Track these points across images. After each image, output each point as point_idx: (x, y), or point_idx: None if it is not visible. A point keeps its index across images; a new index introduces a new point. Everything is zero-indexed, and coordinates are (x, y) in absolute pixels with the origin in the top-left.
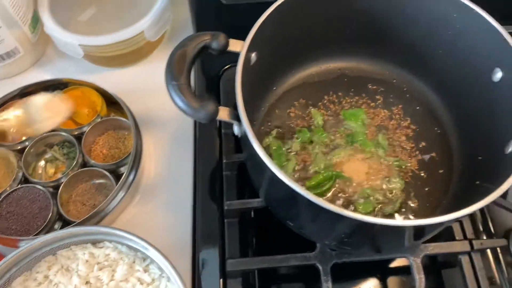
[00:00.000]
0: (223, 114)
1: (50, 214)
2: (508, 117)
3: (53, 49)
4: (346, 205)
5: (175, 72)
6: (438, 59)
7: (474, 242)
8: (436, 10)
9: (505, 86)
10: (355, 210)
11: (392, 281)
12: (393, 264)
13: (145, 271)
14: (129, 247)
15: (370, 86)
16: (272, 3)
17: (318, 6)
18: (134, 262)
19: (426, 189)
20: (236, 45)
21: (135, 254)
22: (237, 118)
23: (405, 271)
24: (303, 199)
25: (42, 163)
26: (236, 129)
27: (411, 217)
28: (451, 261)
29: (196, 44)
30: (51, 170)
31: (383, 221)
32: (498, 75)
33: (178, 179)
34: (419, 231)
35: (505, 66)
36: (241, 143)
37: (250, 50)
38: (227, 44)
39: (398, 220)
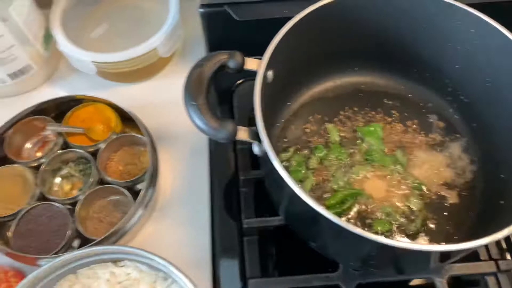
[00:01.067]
0: (242, 134)
1: (70, 232)
2: None
3: (66, 65)
4: (366, 224)
5: (193, 93)
6: (456, 74)
7: (500, 262)
8: (453, 26)
9: None
10: (373, 230)
11: None
12: (414, 283)
13: None
14: (150, 267)
15: (385, 101)
16: (283, 18)
17: (333, 23)
18: (155, 282)
19: (447, 205)
20: (253, 64)
21: (156, 274)
22: (256, 138)
23: None
24: (327, 221)
25: (58, 180)
26: (256, 149)
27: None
28: (475, 280)
29: (213, 63)
30: (67, 187)
31: (410, 245)
32: None
33: (194, 195)
34: (445, 255)
35: None
36: (259, 161)
37: (267, 68)
38: (243, 63)
39: (427, 246)
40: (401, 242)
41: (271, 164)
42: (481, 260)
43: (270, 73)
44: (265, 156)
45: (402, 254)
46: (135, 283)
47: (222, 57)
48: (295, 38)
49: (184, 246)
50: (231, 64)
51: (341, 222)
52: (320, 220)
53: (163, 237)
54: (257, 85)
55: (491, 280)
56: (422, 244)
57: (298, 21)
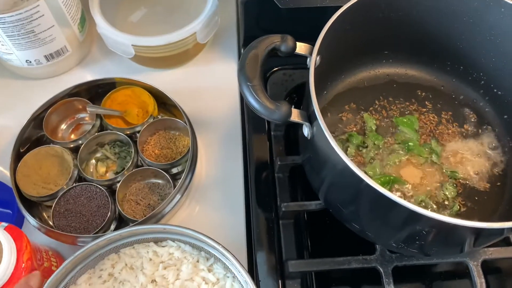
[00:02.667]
0: (295, 115)
1: (109, 213)
2: None
3: (98, 50)
4: None
5: (249, 74)
6: (491, 67)
7: None
8: (495, 19)
9: None
10: None
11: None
12: (441, 269)
13: (209, 270)
14: (192, 246)
15: (419, 93)
16: (322, 8)
17: (374, 14)
18: (198, 261)
19: (480, 193)
20: (303, 48)
21: (199, 253)
22: (307, 119)
23: (457, 275)
24: (379, 197)
25: (93, 161)
26: (306, 130)
27: None
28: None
29: (266, 46)
30: (102, 169)
31: (472, 223)
32: None
33: (228, 180)
34: (481, 237)
35: None
36: (302, 145)
37: (318, 52)
38: (295, 47)
39: (478, 223)
40: (454, 218)
41: (324, 142)
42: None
43: (318, 59)
44: (315, 136)
45: (445, 235)
46: (178, 262)
47: (275, 39)
48: (337, 27)
49: (218, 229)
50: (283, 47)
51: (398, 199)
52: (371, 196)
53: (197, 220)
54: (311, 68)
55: None
56: (473, 221)
57: (345, 10)
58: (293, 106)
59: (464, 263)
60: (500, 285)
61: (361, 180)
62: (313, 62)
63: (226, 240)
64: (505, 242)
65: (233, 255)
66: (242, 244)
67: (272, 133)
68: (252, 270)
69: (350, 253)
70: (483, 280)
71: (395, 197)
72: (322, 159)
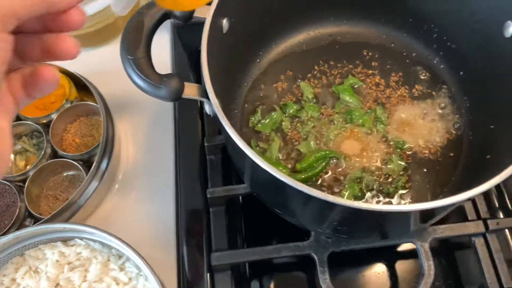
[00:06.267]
0: (191, 91)
1: (18, 211)
2: None
3: None
4: (340, 188)
5: (130, 46)
6: (442, 17)
7: (489, 222)
8: None
9: None
10: (346, 193)
11: (400, 265)
12: (401, 248)
13: (121, 269)
14: (103, 244)
15: (365, 53)
16: None
17: None
18: (108, 260)
19: (432, 162)
20: (203, 11)
21: (109, 251)
22: (205, 95)
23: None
24: (287, 187)
25: (11, 156)
26: (207, 108)
27: (411, 196)
28: (465, 242)
29: (154, 12)
30: (21, 163)
31: (376, 207)
32: (510, 29)
33: (159, 167)
34: (426, 214)
35: None
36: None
37: (218, 15)
38: (192, 11)
39: (394, 206)
40: (367, 204)
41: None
42: (469, 220)
43: (224, 22)
44: (216, 115)
45: (376, 217)
46: (87, 263)
47: None
48: None
49: (147, 221)
50: (177, 12)
51: (300, 186)
52: (282, 186)
53: (125, 212)
54: (205, 33)
55: (479, 241)
56: (391, 205)
57: None
58: None
59: (412, 243)
60: (449, 257)
61: (267, 173)
62: (207, 26)
63: (155, 232)
64: (463, 217)
65: (139, 255)
66: (171, 235)
67: (204, 111)
68: (179, 264)
69: (287, 239)
70: (431, 262)
71: (302, 186)
72: (229, 140)
